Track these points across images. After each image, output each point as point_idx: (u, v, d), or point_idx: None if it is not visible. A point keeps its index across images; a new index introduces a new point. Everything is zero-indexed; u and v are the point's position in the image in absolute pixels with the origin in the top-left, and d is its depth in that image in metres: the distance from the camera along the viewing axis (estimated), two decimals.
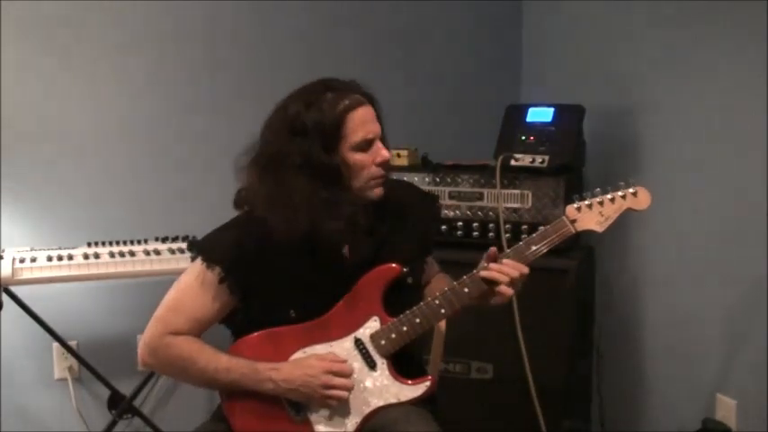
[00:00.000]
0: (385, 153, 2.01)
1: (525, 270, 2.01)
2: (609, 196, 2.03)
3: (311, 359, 2.00)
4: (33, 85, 3.07)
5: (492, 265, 2.01)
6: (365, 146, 1.99)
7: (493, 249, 2.04)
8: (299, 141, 1.95)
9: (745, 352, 2.68)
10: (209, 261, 2.01)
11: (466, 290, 2.02)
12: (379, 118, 2.04)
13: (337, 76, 2.07)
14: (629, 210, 2.03)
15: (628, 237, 3.06)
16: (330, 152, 1.96)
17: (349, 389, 1.99)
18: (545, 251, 2.02)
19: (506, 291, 2.00)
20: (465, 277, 2.03)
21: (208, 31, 3.29)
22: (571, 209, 2.03)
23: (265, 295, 2.03)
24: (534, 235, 2.03)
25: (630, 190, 2.03)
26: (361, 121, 1.98)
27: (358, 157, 1.98)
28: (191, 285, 2.04)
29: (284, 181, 1.96)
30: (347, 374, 2.00)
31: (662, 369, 3.01)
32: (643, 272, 3.08)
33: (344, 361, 2.02)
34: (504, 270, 2.00)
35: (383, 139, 2.04)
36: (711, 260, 2.78)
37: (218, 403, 2.16)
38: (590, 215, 2.02)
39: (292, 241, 1.97)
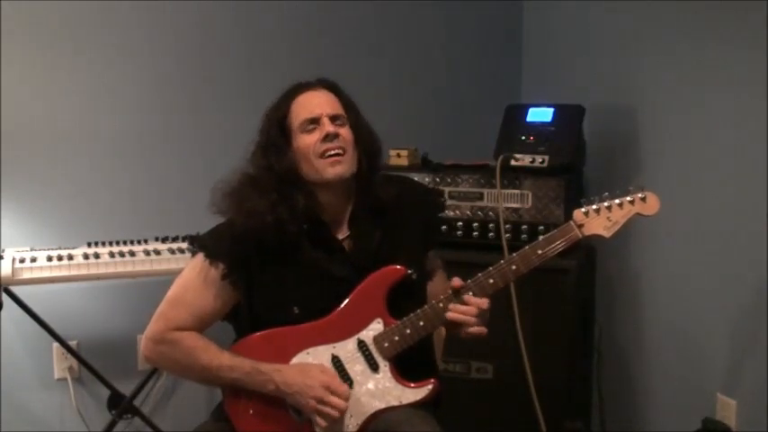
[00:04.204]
0: (328, 127, 2.02)
1: (484, 305, 1.99)
2: (617, 201, 2.01)
3: (315, 369, 2.00)
4: (34, 85, 3.06)
5: (455, 308, 1.99)
6: (309, 126, 2.02)
7: (456, 282, 2.03)
8: (256, 149, 2.06)
9: (745, 352, 2.69)
10: (213, 257, 2.02)
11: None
12: (345, 106, 2.08)
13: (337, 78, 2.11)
14: (638, 215, 2.01)
15: (629, 237, 3.06)
16: (281, 151, 2.02)
17: (341, 410, 1.97)
18: (551, 255, 2.01)
19: (480, 331, 2.00)
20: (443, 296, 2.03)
21: (207, 32, 3.28)
22: (578, 213, 2.01)
23: (268, 292, 2.03)
24: (541, 239, 2.02)
25: (639, 195, 2.01)
26: (303, 104, 2.04)
27: (303, 139, 2.02)
28: (193, 281, 2.04)
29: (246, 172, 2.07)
30: (344, 396, 1.98)
31: (662, 369, 3.02)
32: (644, 272, 3.09)
33: (349, 385, 2.00)
34: (462, 309, 1.99)
35: (345, 122, 2.06)
36: (712, 260, 2.78)
37: (217, 403, 2.16)
38: (597, 220, 2.00)
39: (294, 237, 2.00)
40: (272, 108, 2.09)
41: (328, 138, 2.01)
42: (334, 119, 2.04)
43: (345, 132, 2.04)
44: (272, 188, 2.01)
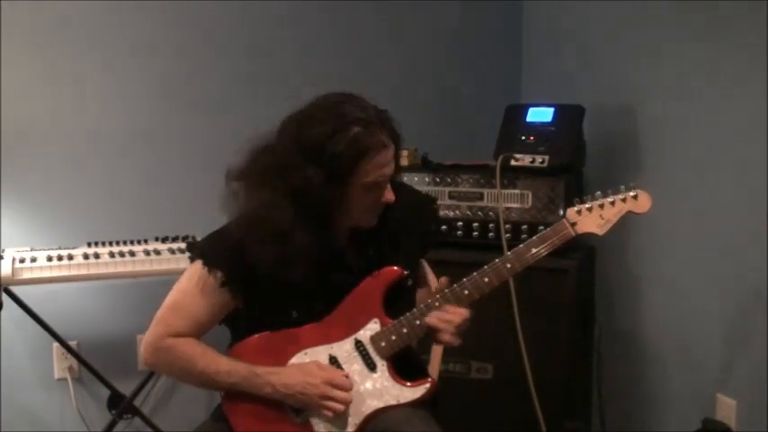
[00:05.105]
0: (390, 197, 1.98)
1: (466, 315, 2.00)
2: (609, 199, 2.03)
3: (313, 366, 2.00)
4: (34, 85, 3.07)
5: (434, 314, 2.00)
6: (373, 187, 1.96)
7: (443, 280, 2.04)
8: (306, 164, 1.89)
9: (745, 352, 2.68)
10: (211, 265, 2.00)
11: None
12: (396, 156, 2.00)
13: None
14: (630, 213, 2.03)
15: (628, 237, 3.06)
16: (335, 184, 1.90)
17: (347, 403, 1.97)
18: (545, 254, 2.01)
19: (452, 340, 1.99)
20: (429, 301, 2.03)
21: (208, 32, 3.29)
22: (571, 212, 2.03)
23: (267, 297, 2.01)
24: (534, 237, 2.03)
25: (631, 193, 2.03)
26: (378, 165, 1.92)
27: (363, 195, 1.95)
28: (190, 288, 2.02)
29: (270, 199, 1.91)
30: (347, 388, 1.98)
31: (662, 369, 3.01)
32: (643, 272, 3.08)
33: (346, 375, 2.01)
34: (447, 318, 1.98)
35: (394, 175, 2.00)
36: (711, 260, 2.78)
37: (217, 403, 2.16)
38: (590, 218, 2.02)
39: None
40: (339, 137, 1.88)
41: (385, 204, 2.00)
42: (393, 176, 2.00)
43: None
44: (303, 221, 1.92)
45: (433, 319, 2.00)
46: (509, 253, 2.03)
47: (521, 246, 2.02)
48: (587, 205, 2.02)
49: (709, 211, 2.78)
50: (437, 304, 2.01)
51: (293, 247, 1.91)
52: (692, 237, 2.85)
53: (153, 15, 3.20)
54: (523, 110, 3.14)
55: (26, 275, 2.74)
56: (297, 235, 1.90)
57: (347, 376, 2.00)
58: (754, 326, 2.62)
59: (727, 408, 2.72)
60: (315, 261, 1.95)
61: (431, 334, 2.04)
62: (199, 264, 2.02)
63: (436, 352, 2.32)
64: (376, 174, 1.93)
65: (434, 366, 2.31)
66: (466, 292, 2.01)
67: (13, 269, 2.72)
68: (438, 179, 3.05)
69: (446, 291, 2.02)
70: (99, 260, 2.84)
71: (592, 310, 3.22)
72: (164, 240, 2.98)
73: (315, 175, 1.88)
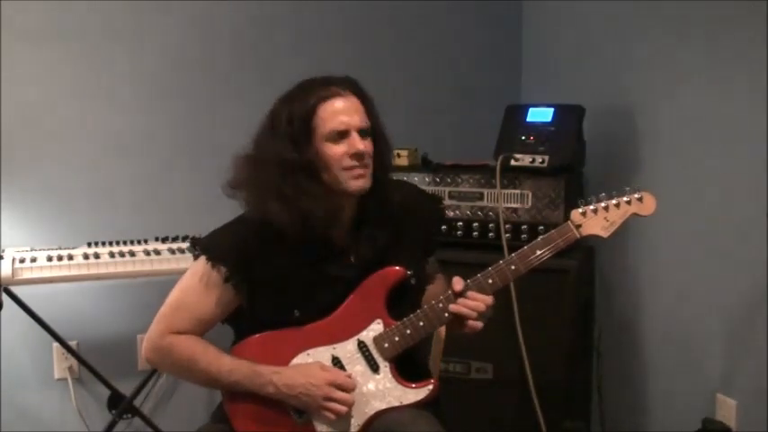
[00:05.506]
0: (359, 144, 1.97)
1: (489, 301, 2.02)
2: (614, 201, 2.03)
3: (316, 367, 2.00)
4: (33, 85, 3.06)
5: (460, 301, 2.01)
6: (337, 137, 1.97)
7: (457, 283, 2.04)
8: (272, 137, 1.97)
9: (745, 352, 2.68)
10: (215, 260, 2.00)
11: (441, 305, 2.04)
12: (368, 112, 2.02)
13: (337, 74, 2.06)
14: (635, 215, 2.03)
15: (628, 237, 3.05)
16: (300, 146, 1.96)
17: (349, 404, 1.98)
18: (549, 256, 2.02)
19: (476, 325, 2.02)
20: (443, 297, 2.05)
21: (206, 33, 3.29)
22: (576, 214, 2.03)
23: (270, 295, 2.02)
24: (539, 239, 2.03)
25: (636, 195, 2.03)
26: (333, 112, 1.97)
27: (330, 148, 1.97)
28: (194, 284, 2.03)
29: (258, 175, 1.98)
30: (350, 389, 1.99)
31: (662, 369, 3.02)
32: (643, 272, 3.08)
33: (349, 376, 2.01)
34: (471, 305, 2.00)
35: (369, 133, 2.01)
36: (711, 260, 2.78)
37: (217, 404, 2.16)
38: (595, 220, 2.02)
39: (295, 238, 1.97)
40: (293, 100, 1.99)
41: (357, 156, 1.98)
42: (361, 132, 1.99)
43: (369, 145, 2.00)
44: (298, 176, 1.97)
45: (458, 306, 2.01)
46: (513, 255, 2.03)
47: (525, 248, 2.03)
48: (592, 207, 2.03)
49: (708, 211, 2.78)
50: (441, 306, 2.02)
51: (302, 196, 1.95)
52: (691, 237, 2.85)
53: (156, 16, 3.19)
54: (523, 110, 3.13)
55: (26, 275, 2.73)
56: (295, 182, 1.95)
57: (350, 377, 2.00)
58: (754, 326, 2.62)
59: (727, 408, 2.72)
60: (334, 213, 2.00)
61: (452, 328, 2.07)
62: (203, 259, 2.02)
63: (437, 353, 2.32)
64: (334, 121, 1.96)
65: (435, 366, 2.31)
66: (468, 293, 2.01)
67: (13, 269, 2.72)
68: (438, 179, 3.05)
69: (449, 293, 2.02)
70: (99, 260, 2.83)
71: (592, 310, 3.22)
72: (164, 240, 2.98)
73: (281, 142, 1.96)
